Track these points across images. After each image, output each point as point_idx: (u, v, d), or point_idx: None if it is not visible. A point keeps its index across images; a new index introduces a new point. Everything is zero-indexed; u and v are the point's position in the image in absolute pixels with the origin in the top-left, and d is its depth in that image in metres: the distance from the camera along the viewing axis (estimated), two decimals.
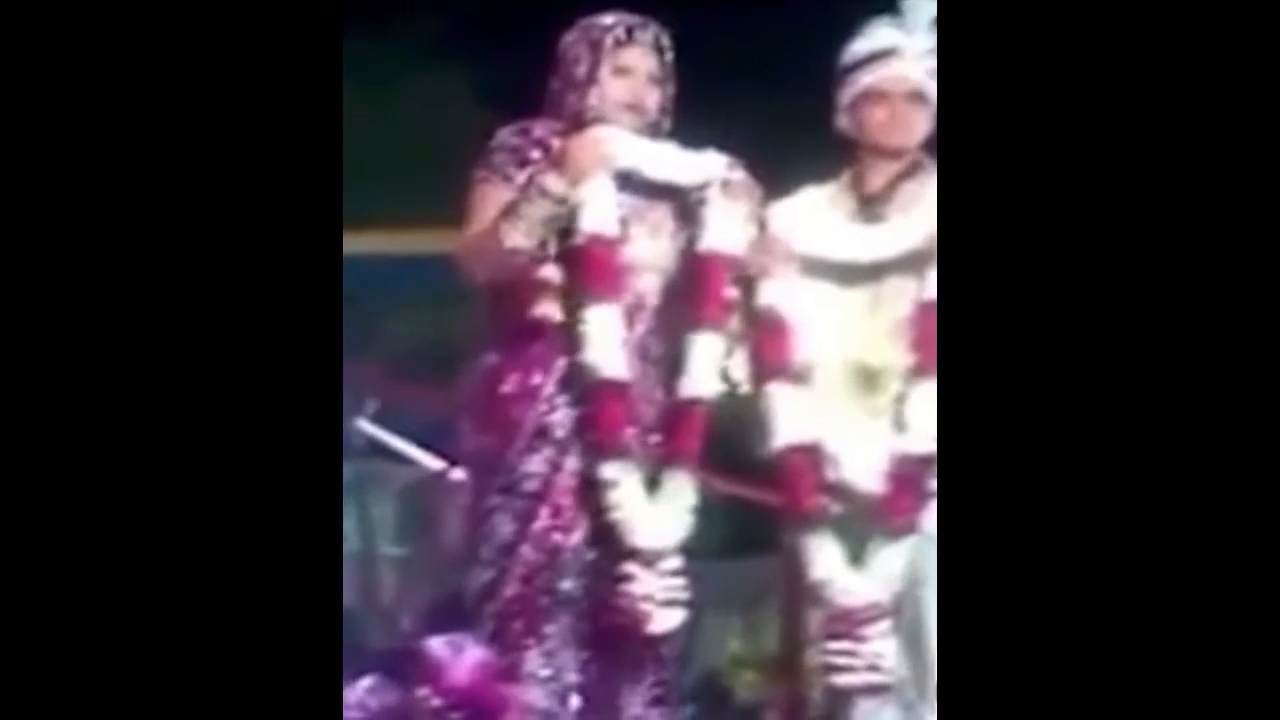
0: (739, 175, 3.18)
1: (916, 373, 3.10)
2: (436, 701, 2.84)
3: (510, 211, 3.05)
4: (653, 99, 3.17)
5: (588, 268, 3.06)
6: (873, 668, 3.04)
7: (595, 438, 3.05)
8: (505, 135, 3.16)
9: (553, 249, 3.09)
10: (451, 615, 3.04)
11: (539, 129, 3.16)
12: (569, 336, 3.07)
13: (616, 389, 3.04)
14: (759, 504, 3.28)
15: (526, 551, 3.06)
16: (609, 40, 3.15)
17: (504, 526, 3.07)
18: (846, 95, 3.21)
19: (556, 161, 3.08)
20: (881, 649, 3.05)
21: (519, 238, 3.05)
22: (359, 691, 2.89)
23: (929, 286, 3.09)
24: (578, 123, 3.12)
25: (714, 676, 7.50)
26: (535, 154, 3.11)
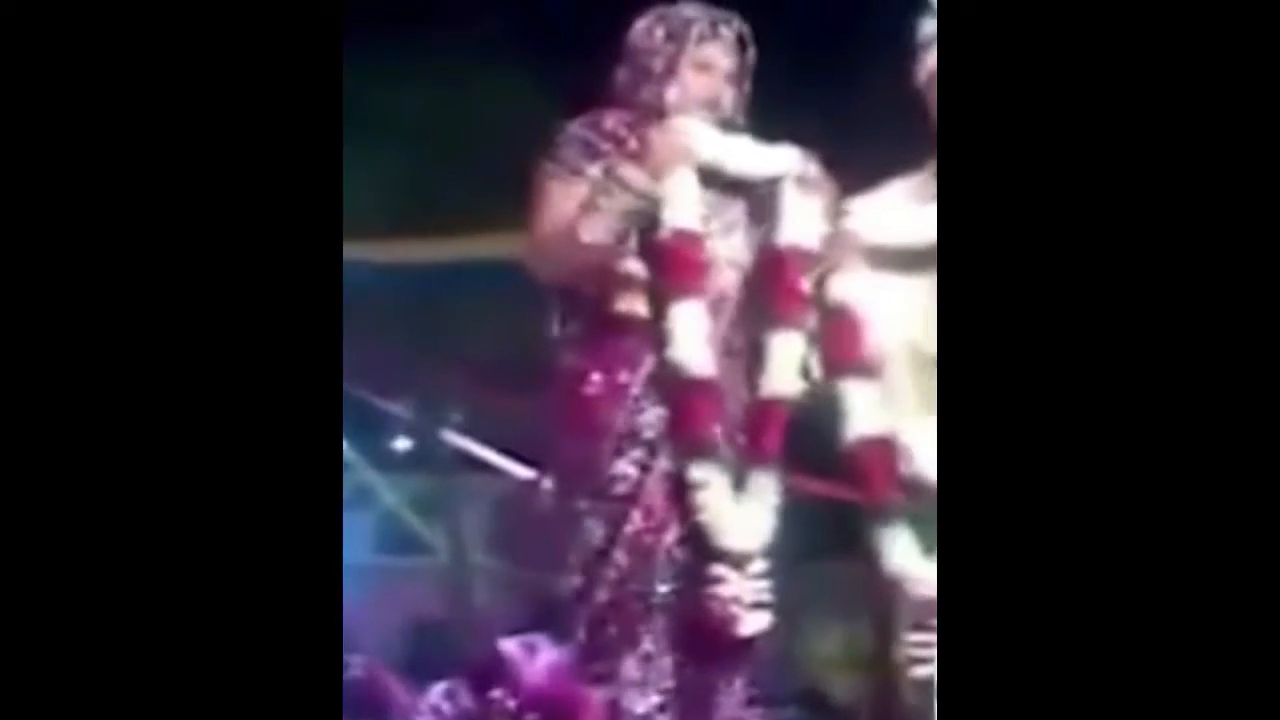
0: (814, 170, 3.06)
1: None
2: (511, 703, 2.79)
3: (588, 205, 2.93)
4: (729, 96, 3.05)
5: (672, 263, 2.95)
6: None
7: (684, 437, 2.97)
8: (575, 128, 3.03)
9: (634, 243, 2.98)
10: (544, 622, 2.99)
11: (609, 120, 3.03)
12: (654, 333, 2.95)
13: (704, 387, 2.96)
14: (841, 503, 3.22)
15: (619, 556, 2.92)
16: (693, 33, 3.02)
17: (596, 531, 2.92)
18: (921, 76, 3.13)
19: (637, 153, 2.96)
20: None
21: (598, 232, 2.92)
22: (433, 697, 2.83)
23: None
24: (652, 116, 3.01)
25: (812, 679, 7.48)
26: (606, 146, 2.99)
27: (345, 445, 5.66)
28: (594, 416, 2.93)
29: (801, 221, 3.01)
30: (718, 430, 2.97)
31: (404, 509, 9.24)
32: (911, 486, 3.05)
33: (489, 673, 2.83)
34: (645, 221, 2.94)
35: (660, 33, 3.03)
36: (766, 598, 2.96)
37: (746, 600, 2.94)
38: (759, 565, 2.95)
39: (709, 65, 3.01)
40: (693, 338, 2.94)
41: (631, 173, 2.94)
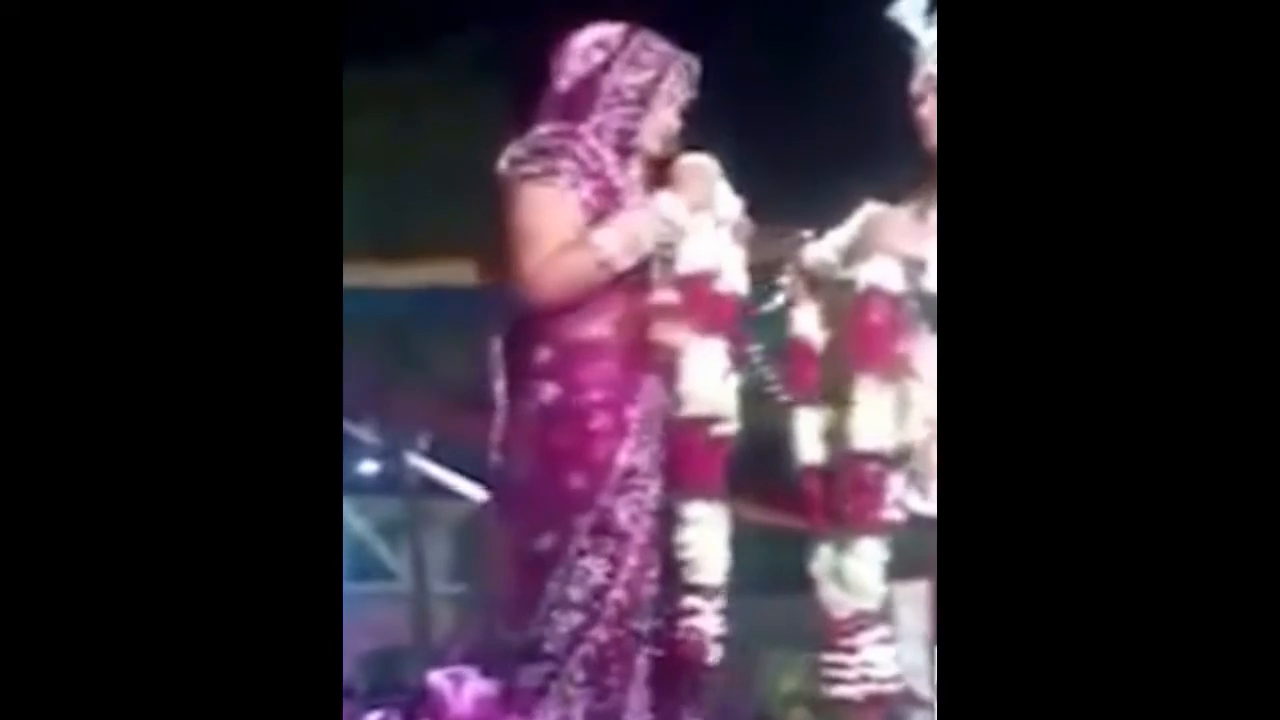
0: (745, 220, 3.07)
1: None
2: None
3: (601, 222, 2.87)
4: (677, 130, 3.04)
5: (698, 300, 2.94)
6: (864, 678, 2.91)
7: (686, 475, 2.93)
8: (547, 137, 2.95)
9: (656, 273, 2.94)
10: (529, 656, 2.95)
11: (588, 135, 2.96)
12: (669, 366, 2.91)
13: (711, 424, 2.95)
14: (794, 531, 3.22)
15: (618, 594, 2.85)
16: (671, 69, 3.00)
17: (597, 569, 2.84)
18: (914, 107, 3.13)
19: (669, 182, 2.94)
20: (872, 658, 2.91)
21: (618, 251, 2.89)
22: None
23: None
24: (620, 140, 2.97)
25: (766, 712, 7.47)
26: (594, 164, 2.92)
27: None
28: (594, 452, 2.84)
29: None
30: (720, 467, 2.96)
31: (369, 534, 9.21)
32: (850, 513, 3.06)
33: (416, 703, 2.80)
34: (665, 252, 2.91)
35: (646, 59, 3.00)
36: (727, 629, 2.95)
37: (714, 632, 2.93)
38: (723, 597, 2.94)
39: (674, 99, 2.99)
40: (708, 375, 2.93)
41: (667, 201, 2.91)
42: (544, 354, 2.90)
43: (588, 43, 3.00)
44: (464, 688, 2.79)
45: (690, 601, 2.90)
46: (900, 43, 3.07)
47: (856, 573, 2.91)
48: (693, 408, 2.92)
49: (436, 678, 2.79)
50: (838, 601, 2.91)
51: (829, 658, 2.93)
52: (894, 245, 2.94)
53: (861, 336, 2.90)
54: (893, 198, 3.11)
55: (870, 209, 3.07)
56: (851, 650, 2.90)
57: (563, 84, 2.99)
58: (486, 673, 2.88)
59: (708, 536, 2.92)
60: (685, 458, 2.92)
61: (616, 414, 2.86)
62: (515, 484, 2.92)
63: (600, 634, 2.84)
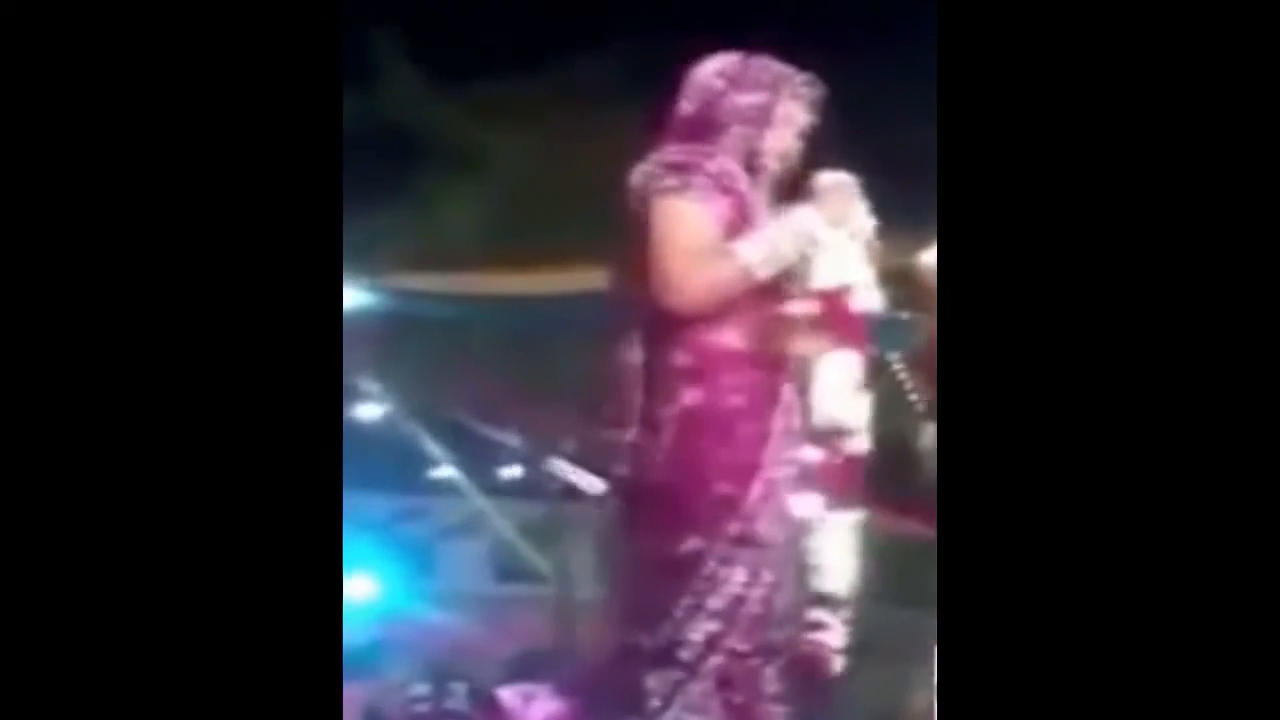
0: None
1: None
2: None
3: (742, 233, 2.98)
4: (796, 151, 3.15)
5: (835, 312, 3.00)
6: None
7: (821, 486, 2.97)
8: (679, 153, 3.07)
9: (793, 285, 3.03)
10: (660, 662, 2.97)
11: (718, 153, 3.08)
12: (803, 378, 3.00)
13: (846, 436, 2.99)
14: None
15: (754, 605, 2.95)
16: (791, 89, 3.12)
17: (736, 577, 2.94)
18: None
19: (808, 197, 3.10)
20: None
21: (758, 261, 2.96)
22: None
23: None
24: (744, 158, 3.09)
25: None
26: (725, 179, 3.04)
27: (457, 473, 5.71)
28: (742, 458, 2.96)
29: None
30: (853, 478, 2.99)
31: (516, 537, 9.26)
32: None
33: (487, 718, 2.82)
34: (802, 266, 3.01)
35: (764, 79, 3.11)
36: (850, 641, 2.96)
37: (839, 644, 2.94)
38: (850, 609, 2.95)
39: (791, 120, 3.11)
40: (844, 387, 2.97)
41: (809, 216, 2.98)
42: (684, 359, 2.98)
43: (711, 70, 3.11)
44: (533, 705, 2.81)
45: (818, 614, 2.93)
46: None
47: None
48: (828, 419, 2.96)
49: (507, 694, 2.81)
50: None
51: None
52: None
53: None
54: None
55: None
56: None
57: (688, 107, 3.05)
58: (611, 679, 2.90)
59: (839, 547, 2.94)
60: (820, 468, 2.96)
61: (759, 421, 2.98)
62: (657, 488, 2.97)
63: (735, 643, 2.88)
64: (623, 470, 3.03)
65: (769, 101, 3.08)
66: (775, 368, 3.00)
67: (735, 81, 3.10)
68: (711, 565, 2.93)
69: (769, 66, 3.13)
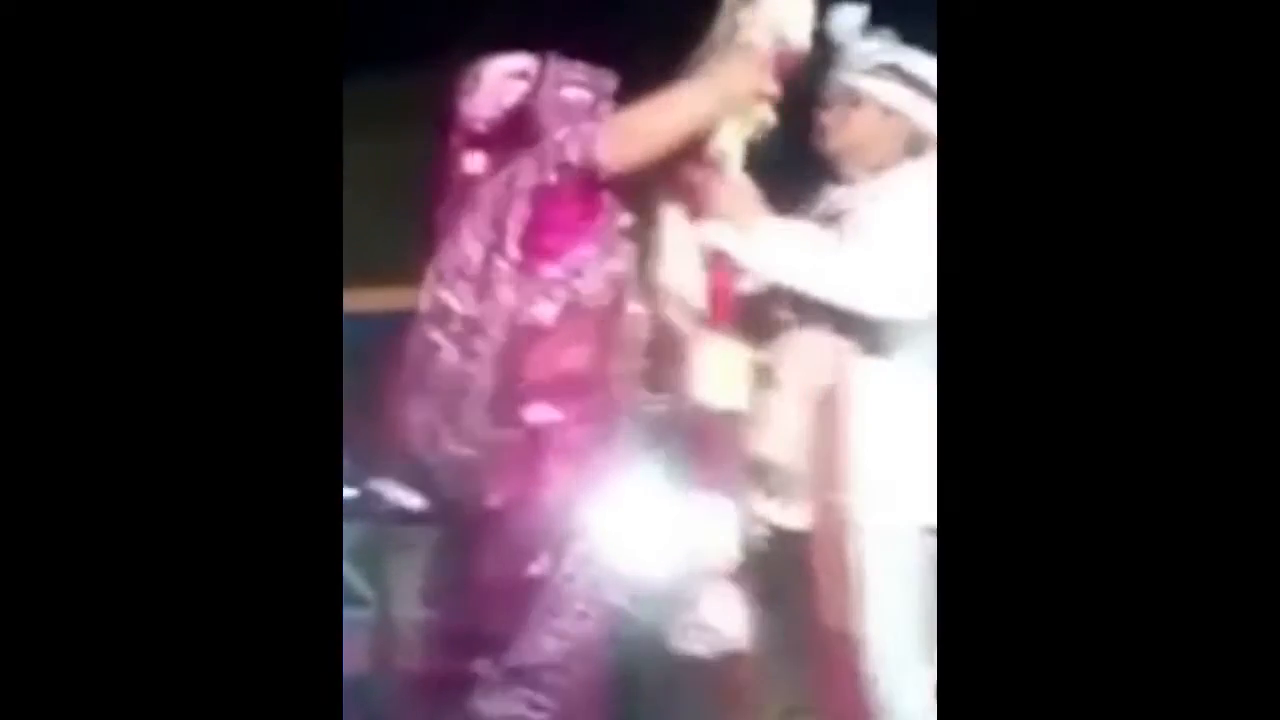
0: None
1: None
2: None
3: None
4: None
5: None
6: None
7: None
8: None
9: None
10: (498, 687, 2.90)
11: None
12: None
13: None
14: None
15: (592, 624, 2.90)
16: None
17: (579, 601, 2.90)
18: None
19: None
20: None
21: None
22: None
23: None
24: None
25: None
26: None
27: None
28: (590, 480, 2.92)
29: None
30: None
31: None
32: None
33: None
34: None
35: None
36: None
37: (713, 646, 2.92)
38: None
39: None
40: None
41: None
42: (531, 377, 2.88)
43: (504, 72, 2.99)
44: None
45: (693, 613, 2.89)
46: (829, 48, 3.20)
47: None
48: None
49: None
50: None
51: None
52: None
53: None
54: None
55: None
56: None
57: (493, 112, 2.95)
58: (449, 701, 2.84)
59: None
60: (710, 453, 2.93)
61: (605, 443, 2.93)
62: (496, 510, 2.90)
63: (577, 665, 2.82)
64: (459, 491, 2.95)
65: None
66: (622, 388, 2.92)
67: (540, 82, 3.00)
68: (555, 586, 2.83)
69: (575, 66, 3.04)
